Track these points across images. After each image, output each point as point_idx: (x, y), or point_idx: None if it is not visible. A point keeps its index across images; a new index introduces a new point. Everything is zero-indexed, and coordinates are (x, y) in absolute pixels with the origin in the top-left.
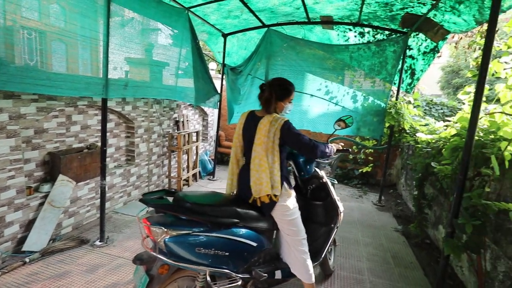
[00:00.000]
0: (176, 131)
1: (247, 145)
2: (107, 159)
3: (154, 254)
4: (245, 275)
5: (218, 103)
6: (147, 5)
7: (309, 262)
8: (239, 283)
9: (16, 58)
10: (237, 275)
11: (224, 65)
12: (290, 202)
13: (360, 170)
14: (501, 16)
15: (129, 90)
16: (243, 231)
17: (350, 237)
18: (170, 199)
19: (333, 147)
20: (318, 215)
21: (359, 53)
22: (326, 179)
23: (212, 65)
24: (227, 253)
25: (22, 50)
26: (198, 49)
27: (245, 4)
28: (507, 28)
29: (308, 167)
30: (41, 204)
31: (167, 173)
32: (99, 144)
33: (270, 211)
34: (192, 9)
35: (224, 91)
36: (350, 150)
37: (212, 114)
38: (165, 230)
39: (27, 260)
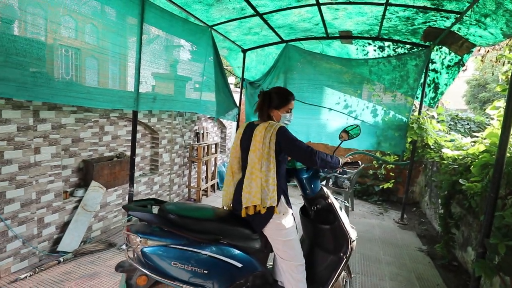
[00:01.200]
0: (196, 142)
1: (245, 156)
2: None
3: (133, 263)
4: None
5: (237, 116)
6: (175, 24)
7: (301, 278)
8: None
9: (55, 73)
10: None
11: (243, 79)
12: (286, 220)
13: (380, 186)
14: None
15: (157, 103)
16: (226, 249)
17: (371, 255)
18: (156, 209)
19: (338, 158)
20: (325, 241)
21: (379, 67)
22: (332, 199)
23: (231, 80)
24: (205, 271)
25: (61, 66)
26: (220, 64)
27: (266, 21)
28: None
29: (312, 184)
30: (75, 207)
31: (187, 183)
32: (127, 153)
33: (261, 227)
34: (215, 27)
35: (243, 104)
36: (359, 162)
37: (230, 126)
38: (141, 239)
39: (61, 259)
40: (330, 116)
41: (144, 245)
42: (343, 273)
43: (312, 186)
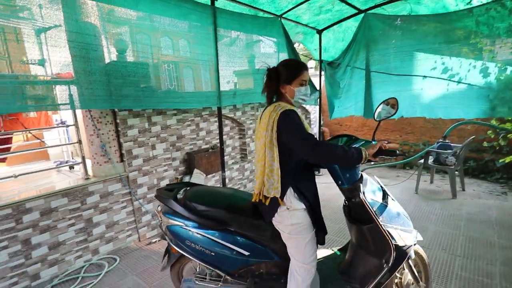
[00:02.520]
0: None
1: None
2: (226, 157)
3: (164, 236)
4: (239, 280)
5: (318, 100)
6: (245, 21)
7: (297, 285)
8: (231, 284)
9: (162, 85)
10: (227, 276)
11: (321, 61)
12: (293, 215)
13: (502, 161)
14: None
15: (237, 97)
16: (232, 237)
17: (481, 238)
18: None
19: (360, 149)
20: (364, 241)
21: (489, 15)
22: (362, 197)
23: (310, 63)
24: (212, 253)
25: (164, 78)
26: (294, 51)
27: None
28: None
29: (348, 173)
30: None
31: None
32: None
33: (268, 217)
34: (284, 15)
35: (323, 87)
36: (398, 152)
37: (314, 111)
38: (165, 218)
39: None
40: (425, 85)
41: (168, 223)
42: (407, 279)
43: (348, 174)
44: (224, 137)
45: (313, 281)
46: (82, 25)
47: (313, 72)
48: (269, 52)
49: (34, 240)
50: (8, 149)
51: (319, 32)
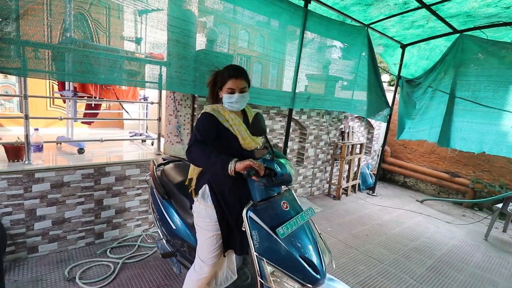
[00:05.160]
0: (341, 141)
1: None
2: None
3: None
4: (170, 247)
5: (388, 117)
6: (331, 27)
7: (190, 274)
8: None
9: None
10: (166, 239)
11: (399, 77)
12: (201, 209)
13: None
14: None
15: (310, 102)
16: (169, 208)
17: None
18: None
19: (230, 160)
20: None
21: None
22: (247, 226)
23: (384, 78)
24: (158, 216)
25: None
26: (374, 63)
27: (434, 12)
28: None
29: (255, 189)
30: None
31: (328, 179)
32: (280, 144)
33: (190, 204)
34: (372, 25)
35: (396, 104)
36: (273, 176)
37: (379, 127)
38: (150, 181)
39: None
40: None
41: (151, 185)
42: None
43: (255, 190)
44: (288, 138)
45: (211, 283)
46: (183, 12)
47: (386, 87)
48: (348, 60)
49: (105, 202)
50: (96, 114)
51: (403, 46)
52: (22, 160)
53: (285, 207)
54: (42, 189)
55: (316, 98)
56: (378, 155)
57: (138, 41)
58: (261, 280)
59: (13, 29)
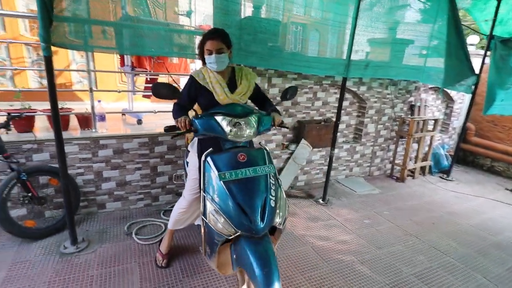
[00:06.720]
0: (409, 116)
1: None
2: (338, 134)
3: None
4: None
5: (473, 87)
6: None
7: (175, 206)
8: None
9: (286, 47)
10: None
11: (491, 36)
12: (190, 155)
13: None
14: None
15: (369, 70)
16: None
17: None
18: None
19: (183, 117)
20: None
21: None
22: (202, 168)
23: (471, 39)
24: None
25: (290, 40)
26: (456, 21)
27: None
28: None
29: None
30: (288, 158)
31: (391, 158)
32: (334, 119)
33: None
34: None
35: (485, 72)
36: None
37: (461, 101)
38: None
39: None
40: None
41: None
42: None
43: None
44: (341, 112)
45: (189, 218)
46: None
47: (473, 50)
48: (420, 20)
49: (159, 169)
50: None
51: None
52: (90, 129)
53: (241, 158)
54: (106, 154)
55: (377, 65)
56: (458, 134)
57: (188, 14)
58: (203, 217)
59: (84, 9)
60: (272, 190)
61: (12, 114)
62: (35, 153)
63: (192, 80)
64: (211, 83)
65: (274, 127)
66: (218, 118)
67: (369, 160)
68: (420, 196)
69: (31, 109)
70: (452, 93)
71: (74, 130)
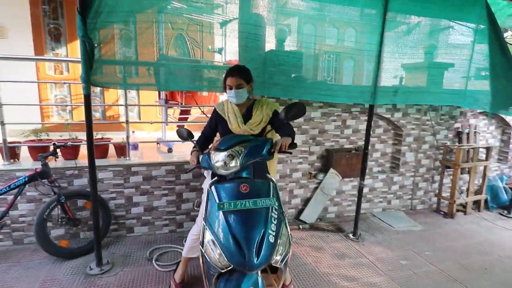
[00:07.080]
0: (456, 143)
1: None
2: (372, 163)
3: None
4: None
5: None
6: (430, 2)
7: (189, 235)
8: None
9: (318, 76)
10: None
11: None
12: (204, 181)
13: None
14: None
15: (398, 96)
16: None
17: None
18: None
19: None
20: None
21: None
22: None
23: None
24: None
25: (322, 69)
26: (500, 41)
27: None
28: None
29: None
30: (315, 188)
31: (437, 191)
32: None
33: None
34: None
35: None
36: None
37: None
38: None
39: (300, 226)
40: None
41: None
42: None
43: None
44: (374, 139)
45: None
46: (251, 17)
47: None
48: (460, 42)
49: (184, 195)
50: (187, 119)
51: None
52: (124, 157)
53: (243, 189)
54: (137, 180)
55: (408, 91)
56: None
57: (219, 50)
58: (201, 247)
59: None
60: (272, 225)
61: (57, 143)
62: (75, 178)
63: (214, 111)
64: (228, 113)
65: (281, 151)
66: (212, 153)
67: (410, 192)
68: (471, 235)
69: (77, 139)
70: (508, 117)
71: (112, 157)
